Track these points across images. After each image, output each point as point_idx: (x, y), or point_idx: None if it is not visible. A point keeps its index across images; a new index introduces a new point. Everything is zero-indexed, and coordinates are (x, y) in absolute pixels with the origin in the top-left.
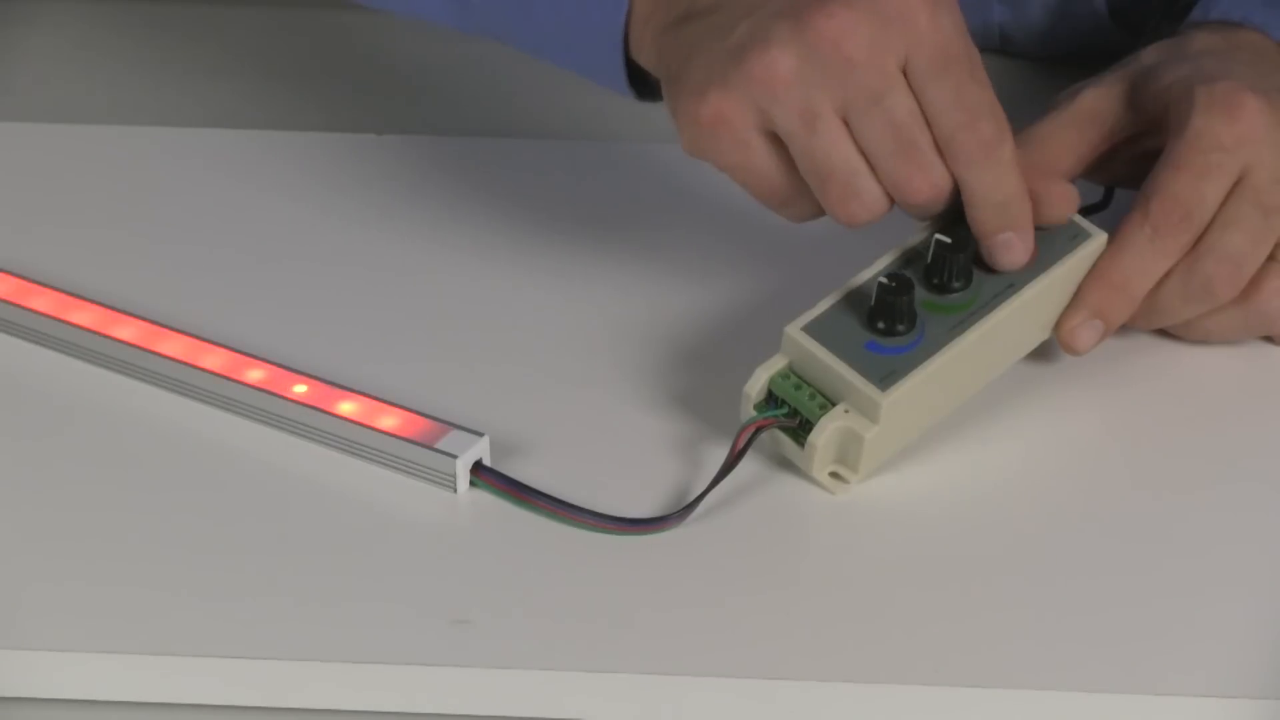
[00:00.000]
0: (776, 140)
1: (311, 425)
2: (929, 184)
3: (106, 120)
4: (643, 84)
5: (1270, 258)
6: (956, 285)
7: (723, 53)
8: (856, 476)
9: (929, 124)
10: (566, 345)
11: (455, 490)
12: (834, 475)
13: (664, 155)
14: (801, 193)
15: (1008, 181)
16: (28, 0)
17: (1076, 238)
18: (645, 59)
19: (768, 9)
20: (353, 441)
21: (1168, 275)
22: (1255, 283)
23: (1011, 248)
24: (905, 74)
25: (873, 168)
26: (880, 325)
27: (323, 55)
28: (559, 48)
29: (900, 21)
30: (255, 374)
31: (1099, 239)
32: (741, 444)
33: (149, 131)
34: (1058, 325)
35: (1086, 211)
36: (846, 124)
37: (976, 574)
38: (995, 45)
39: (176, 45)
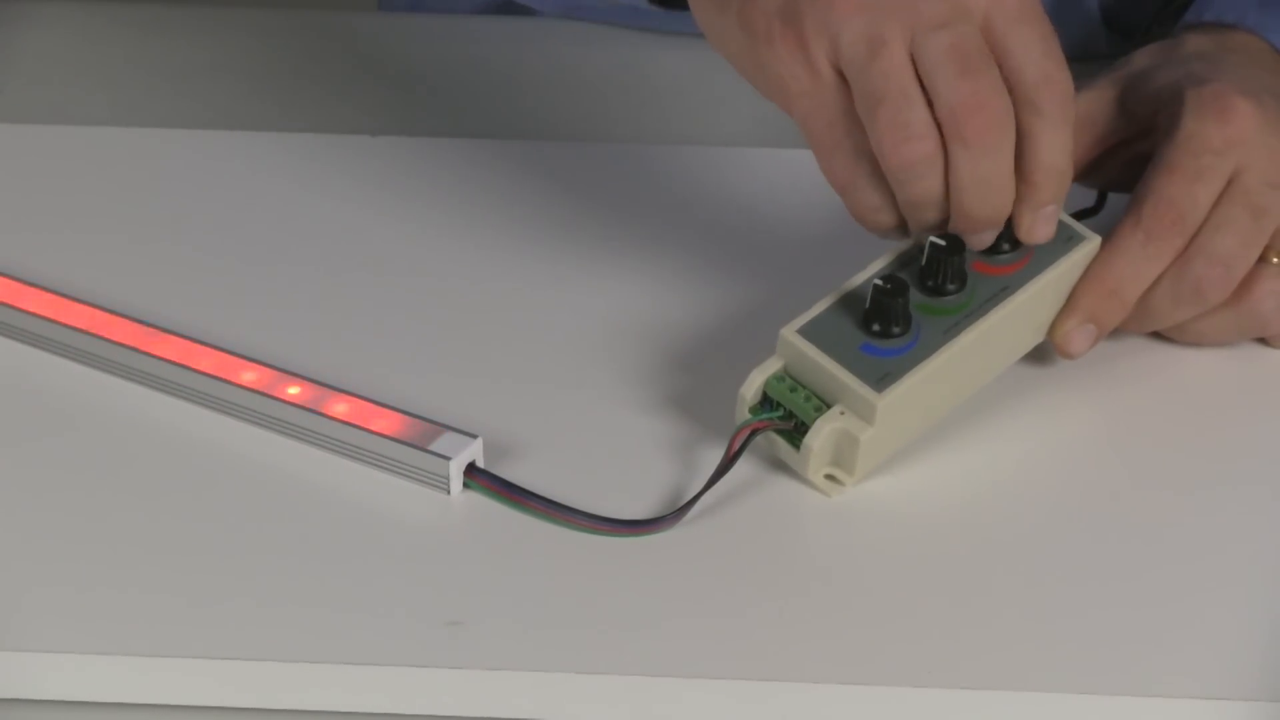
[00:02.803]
0: (842, 76)
1: (305, 427)
2: (993, 112)
3: (102, 121)
4: None
5: (1261, 259)
6: (951, 288)
7: None
8: (851, 479)
9: (1006, 59)
10: (561, 346)
11: (449, 492)
12: (829, 477)
13: (659, 157)
14: (855, 141)
15: (1069, 149)
16: (26, 0)
17: (1071, 240)
18: None
19: None
20: (346, 443)
21: (1159, 279)
22: (1246, 285)
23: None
24: (985, 30)
25: (932, 98)
26: (875, 327)
27: (318, 56)
28: None
29: None
30: (249, 375)
31: (1093, 242)
32: (737, 446)
33: (144, 133)
34: (1052, 329)
35: (1081, 215)
36: (913, 59)
37: (971, 576)
38: None
39: (174, 46)
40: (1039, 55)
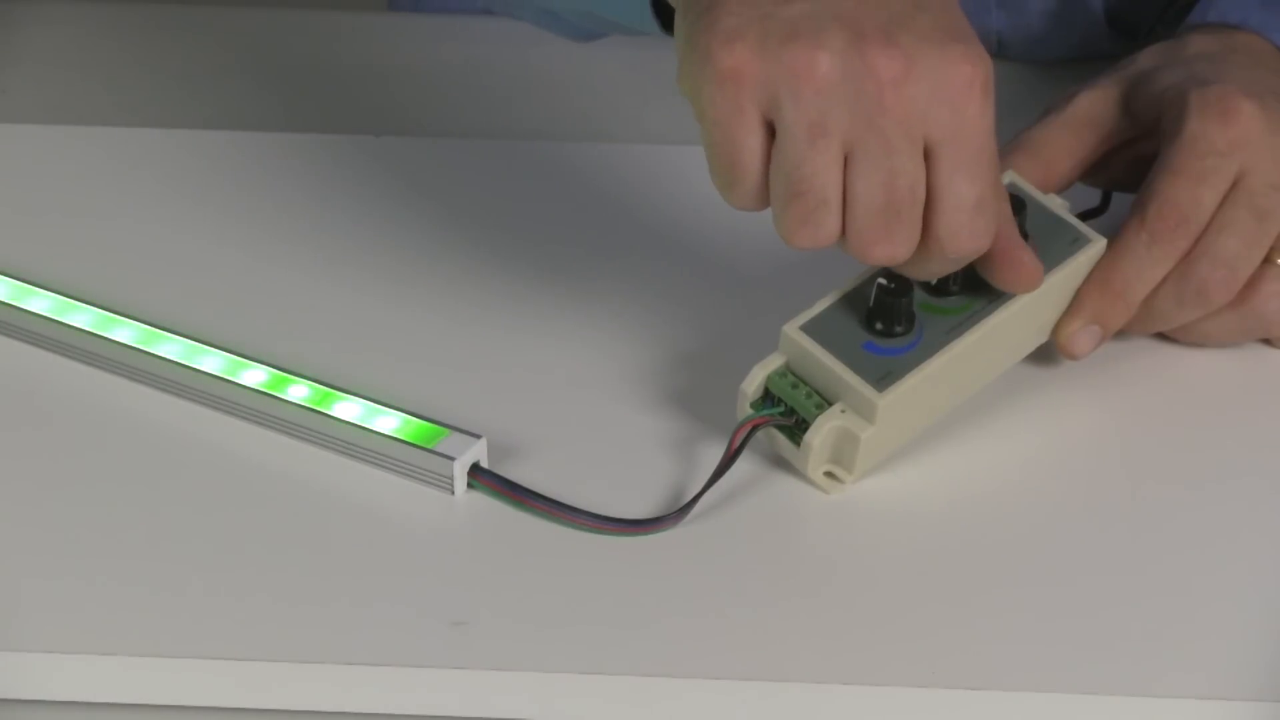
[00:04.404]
0: (769, 129)
1: (309, 427)
2: (888, 254)
3: (105, 121)
4: (666, 13)
5: (1265, 260)
6: (955, 288)
7: (773, 19)
8: (851, 477)
9: (935, 203)
10: (563, 346)
11: (453, 492)
12: (829, 475)
13: (661, 157)
14: (757, 186)
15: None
16: (28, 0)
17: (1076, 242)
18: None
19: (834, 3)
20: (350, 444)
21: (1163, 281)
22: (1251, 286)
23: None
24: (928, 152)
25: (846, 210)
26: (878, 326)
27: (321, 56)
28: None
29: (951, 103)
30: (253, 376)
31: (1098, 244)
32: (738, 442)
33: (147, 133)
34: (1056, 330)
35: (1086, 215)
36: (846, 159)
37: (973, 575)
38: (993, 50)
39: (176, 46)
40: (973, 208)
